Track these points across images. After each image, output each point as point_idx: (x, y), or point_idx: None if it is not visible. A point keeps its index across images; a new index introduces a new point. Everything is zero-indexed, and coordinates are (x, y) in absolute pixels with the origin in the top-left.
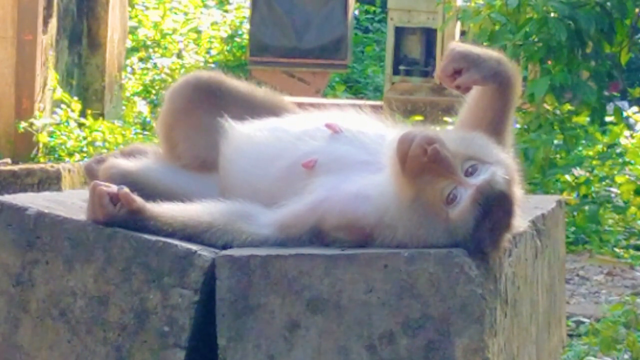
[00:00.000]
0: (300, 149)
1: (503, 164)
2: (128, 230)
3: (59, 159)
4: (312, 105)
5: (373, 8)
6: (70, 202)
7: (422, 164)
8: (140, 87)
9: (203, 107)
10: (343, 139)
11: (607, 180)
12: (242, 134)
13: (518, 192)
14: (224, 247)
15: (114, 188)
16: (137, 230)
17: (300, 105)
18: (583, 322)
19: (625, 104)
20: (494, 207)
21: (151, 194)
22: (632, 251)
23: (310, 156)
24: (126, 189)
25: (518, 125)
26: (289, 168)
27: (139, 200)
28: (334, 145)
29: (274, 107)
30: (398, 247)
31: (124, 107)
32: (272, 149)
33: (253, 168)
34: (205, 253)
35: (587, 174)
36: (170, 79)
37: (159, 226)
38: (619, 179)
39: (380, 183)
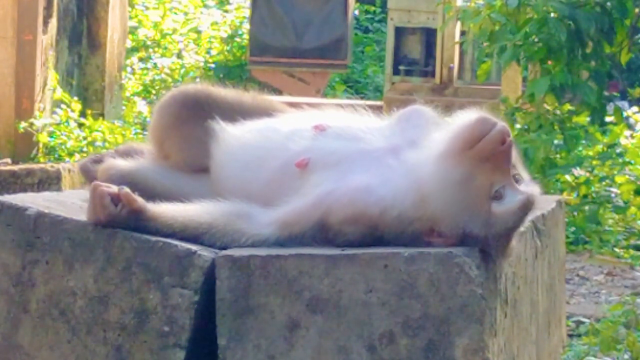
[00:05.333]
0: (291, 149)
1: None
2: (129, 230)
3: (59, 159)
4: (310, 105)
5: (373, 8)
6: (70, 202)
7: (494, 151)
8: (140, 87)
9: (192, 120)
10: (332, 134)
11: (607, 180)
12: (231, 136)
13: None
14: (225, 248)
15: (114, 188)
16: (137, 230)
17: (298, 105)
18: (583, 322)
19: (625, 104)
20: (525, 217)
21: (150, 195)
22: (632, 251)
23: (302, 155)
24: (127, 189)
25: (518, 126)
26: (280, 169)
27: (140, 200)
28: (323, 141)
29: (263, 110)
30: (410, 235)
31: (124, 107)
32: (262, 151)
33: (243, 172)
34: (205, 253)
35: (587, 174)
36: (170, 79)
37: (160, 227)
38: (619, 179)
39: (404, 165)
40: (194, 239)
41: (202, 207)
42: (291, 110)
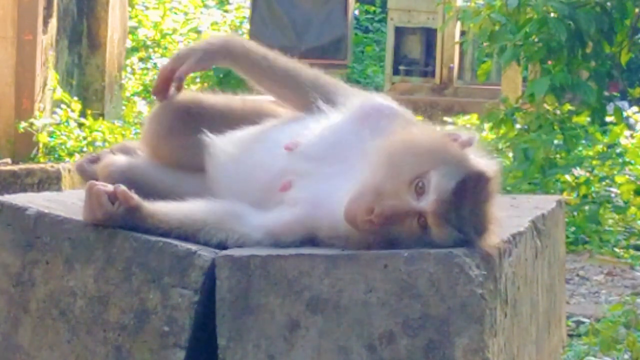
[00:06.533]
0: (271, 169)
1: (450, 160)
2: (126, 228)
3: (59, 159)
4: None
5: (373, 8)
6: (70, 202)
7: (377, 228)
8: (140, 87)
9: (184, 130)
10: (303, 154)
11: (607, 180)
12: (219, 149)
13: (484, 165)
14: (219, 246)
15: (110, 187)
16: (134, 228)
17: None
18: (583, 322)
19: (625, 104)
20: (467, 212)
21: (150, 192)
22: (632, 251)
23: (282, 177)
24: (123, 187)
25: (518, 126)
26: (264, 187)
27: (136, 197)
28: (299, 162)
29: (252, 114)
30: None
31: (124, 107)
32: (246, 167)
33: (233, 184)
34: (205, 253)
35: (587, 174)
36: None
37: (156, 224)
38: (619, 179)
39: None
40: (191, 235)
41: (197, 205)
42: (279, 109)
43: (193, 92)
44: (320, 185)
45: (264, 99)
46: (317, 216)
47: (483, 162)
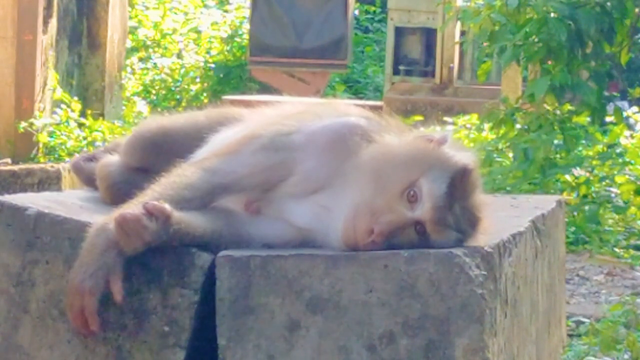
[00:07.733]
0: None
1: (435, 163)
2: (168, 241)
3: (59, 159)
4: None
5: (373, 8)
6: (70, 202)
7: (377, 245)
8: (140, 87)
9: (156, 159)
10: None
11: (607, 180)
12: None
13: (464, 159)
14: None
15: (139, 208)
16: (175, 236)
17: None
18: (583, 322)
19: (625, 104)
20: (459, 209)
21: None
22: (632, 251)
23: (251, 203)
24: (152, 202)
25: (518, 126)
26: (238, 209)
27: (167, 204)
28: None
29: (218, 125)
30: None
31: (124, 107)
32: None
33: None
34: (205, 253)
35: (587, 174)
36: (170, 79)
37: (184, 230)
38: (619, 179)
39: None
40: (212, 245)
41: (208, 213)
42: (243, 112)
43: (156, 118)
44: (302, 207)
45: (273, 98)
46: (310, 237)
47: (462, 155)
